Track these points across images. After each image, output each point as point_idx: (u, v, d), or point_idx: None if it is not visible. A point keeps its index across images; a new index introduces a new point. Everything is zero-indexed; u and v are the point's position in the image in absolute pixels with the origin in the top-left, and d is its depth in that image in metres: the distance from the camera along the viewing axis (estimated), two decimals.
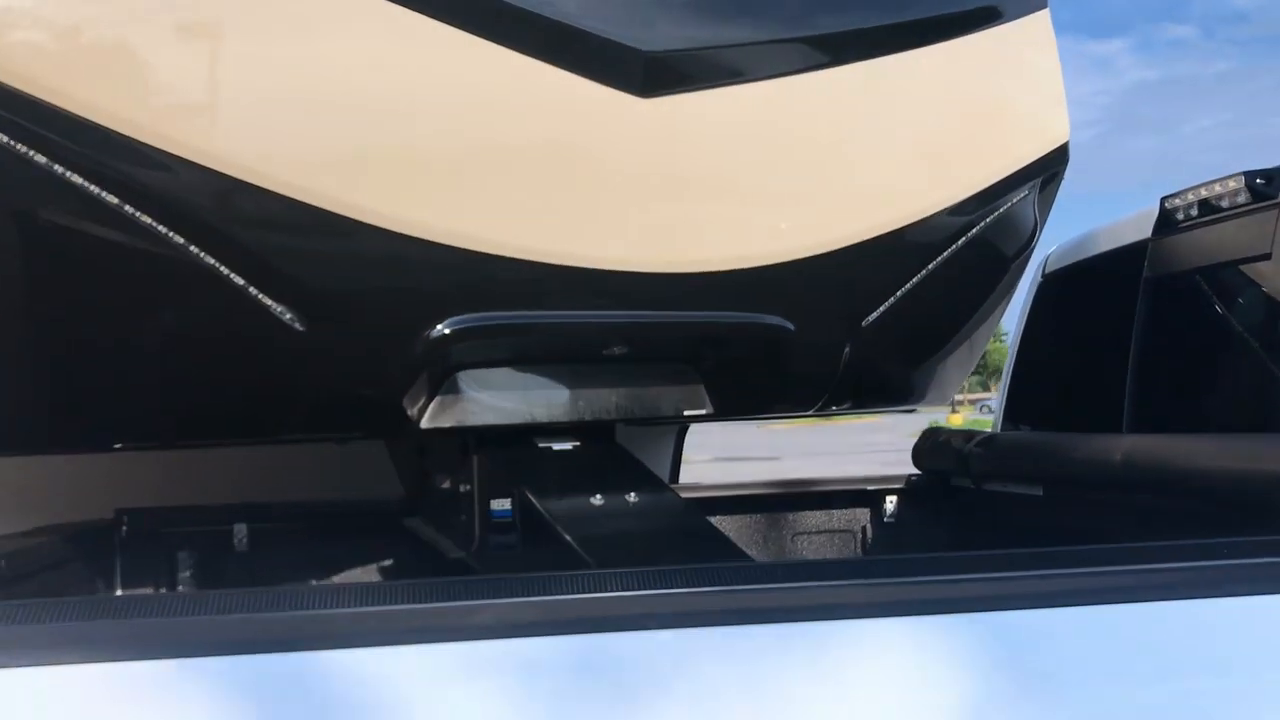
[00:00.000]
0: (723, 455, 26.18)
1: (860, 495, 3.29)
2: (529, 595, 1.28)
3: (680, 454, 4.29)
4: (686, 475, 4.33)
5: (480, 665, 1.19)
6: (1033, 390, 3.25)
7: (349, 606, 1.23)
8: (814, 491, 3.32)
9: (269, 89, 1.90)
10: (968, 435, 3.01)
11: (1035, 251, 3.30)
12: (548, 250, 2.19)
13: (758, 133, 2.41)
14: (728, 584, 1.26)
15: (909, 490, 3.23)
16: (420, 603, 1.26)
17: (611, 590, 1.27)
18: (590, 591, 1.28)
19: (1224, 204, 2.43)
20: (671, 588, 1.26)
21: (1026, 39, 3.01)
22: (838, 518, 3.31)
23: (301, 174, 1.91)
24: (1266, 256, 2.28)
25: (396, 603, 1.25)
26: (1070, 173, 3.00)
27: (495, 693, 1.17)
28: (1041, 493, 2.64)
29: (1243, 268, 2.39)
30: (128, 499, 2.81)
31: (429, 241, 2.04)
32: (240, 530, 2.86)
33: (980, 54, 2.87)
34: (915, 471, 3.26)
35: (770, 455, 25.40)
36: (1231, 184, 2.40)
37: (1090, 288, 3.03)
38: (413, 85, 2.01)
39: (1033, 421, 3.21)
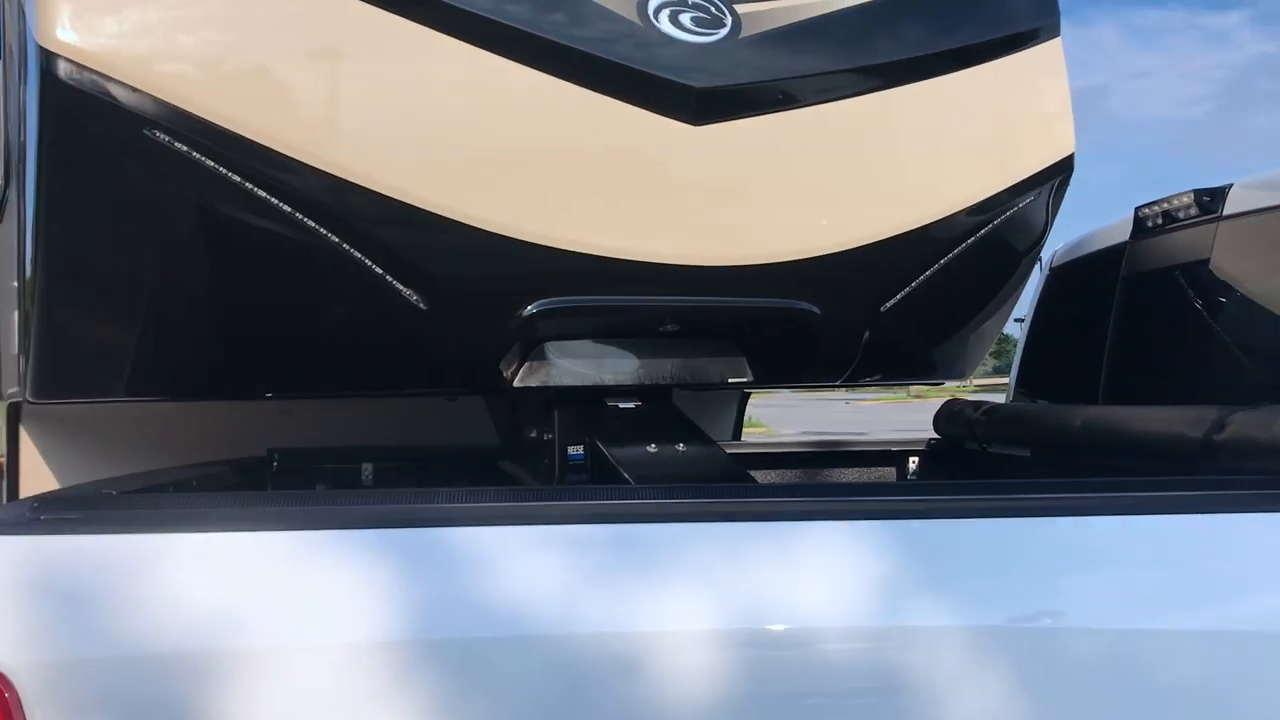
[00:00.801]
0: (811, 430, 26.51)
1: (888, 455, 3.80)
2: (583, 500, 1.86)
3: (742, 418, 4.85)
4: None
5: (552, 541, 1.78)
6: (1039, 367, 3.74)
7: (472, 502, 1.83)
8: (849, 451, 3.84)
9: (415, 137, 2.49)
10: (976, 405, 3.51)
11: (1047, 247, 3.75)
12: (616, 246, 2.74)
13: (790, 152, 2.92)
14: (717, 496, 1.82)
15: (929, 451, 3.74)
16: (514, 501, 1.86)
17: (637, 498, 1.85)
18: (622, 499, 1.85)
19: (1180, 215, 2.90)
20: (678, 498, 1.83)
21: (1040, 64, 3.43)
22: (868, 474, 3.83)
23: (429, 191, 2.49)
24: (1207, 261, 2.74)
25: (502, 501, 1.85)
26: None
27: (561, 556, 1.76)
28: (1029, 454, 3.14)
29: (1191, 268, 2.86)
30: (278, 441, 3.46)
31: (522, 240, 2.61)
32: (367, 468, 3.48)
33: (998, 78, 3.31)
34: (935, 436, 3.77)
35: (857, 431, 25.59)
36: (1186, 199, 2.86)
37: (1083, 281, 3.50)
38: (520, 128, 2.58)
39: (1039, 394, 3.70)
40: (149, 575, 1.68)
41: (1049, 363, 3.66)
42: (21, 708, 1.61)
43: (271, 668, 1.65)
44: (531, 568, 1.74)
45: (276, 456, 3.42)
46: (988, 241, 3.31)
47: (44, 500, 1.90)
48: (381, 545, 1.75)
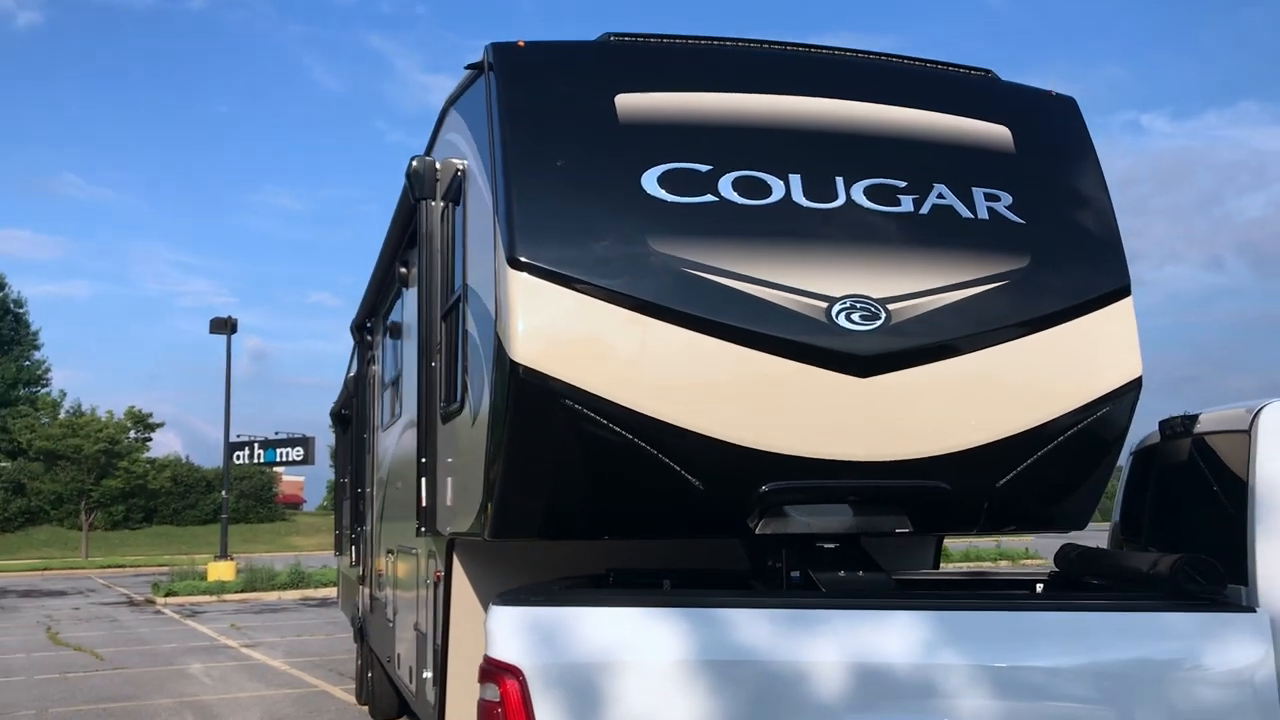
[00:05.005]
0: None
1: (1020, 582, 5.42)
2: (800, 598, 3.76)
3: (940, 554, 6.55)
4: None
5: (780, 617, 3.68)
6: (1129, 520, 5.30)
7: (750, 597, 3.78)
8: (990, 579, 5.49)
9: (704, 398, 4.48)
10: (1076, 548, 5.11)
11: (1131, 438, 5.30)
12: (817, 451, 4.62)
13: (927, 389, 4.71)
14: (865, 597, 3.69)
15: (1049, 580, 5.33)
16: (769, 597, 3.79)
17: (828, 598, 3.74)
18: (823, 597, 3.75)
19: (1175, 430, 4.50)
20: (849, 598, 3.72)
21: (1114, 316, 5.04)
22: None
23: (709, 425, 4.46)
24: (1186, 461, 4.34)
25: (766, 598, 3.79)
26: None
27: (792, 626, 3.66)
28: (1100, 582, 4.74)
29: (1180, 464, 4.46)
30: (613, 563, 5.47)
31: (761, 450, 4.54)
32: (666, 583, 5.41)
33: (1082, 329, 4.96)
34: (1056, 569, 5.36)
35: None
36: (1177, 420, 4.47)
37: (1148, 464, 5.09)
38: (760, 388, 4.52)
39: (1130, 539, 5.25)
40: (588, 623, 3.71)
41: (1134, 517, 5.25)
42: (528, 687, 3.64)
43: (650, 670, 3.62)
44: (769, 627, 3.66)
45: (611, 573, 5.40)
46: (1077, 438, 4.92)
47: (534, 590, 3.97)
48: (702, 617, 3.72)
